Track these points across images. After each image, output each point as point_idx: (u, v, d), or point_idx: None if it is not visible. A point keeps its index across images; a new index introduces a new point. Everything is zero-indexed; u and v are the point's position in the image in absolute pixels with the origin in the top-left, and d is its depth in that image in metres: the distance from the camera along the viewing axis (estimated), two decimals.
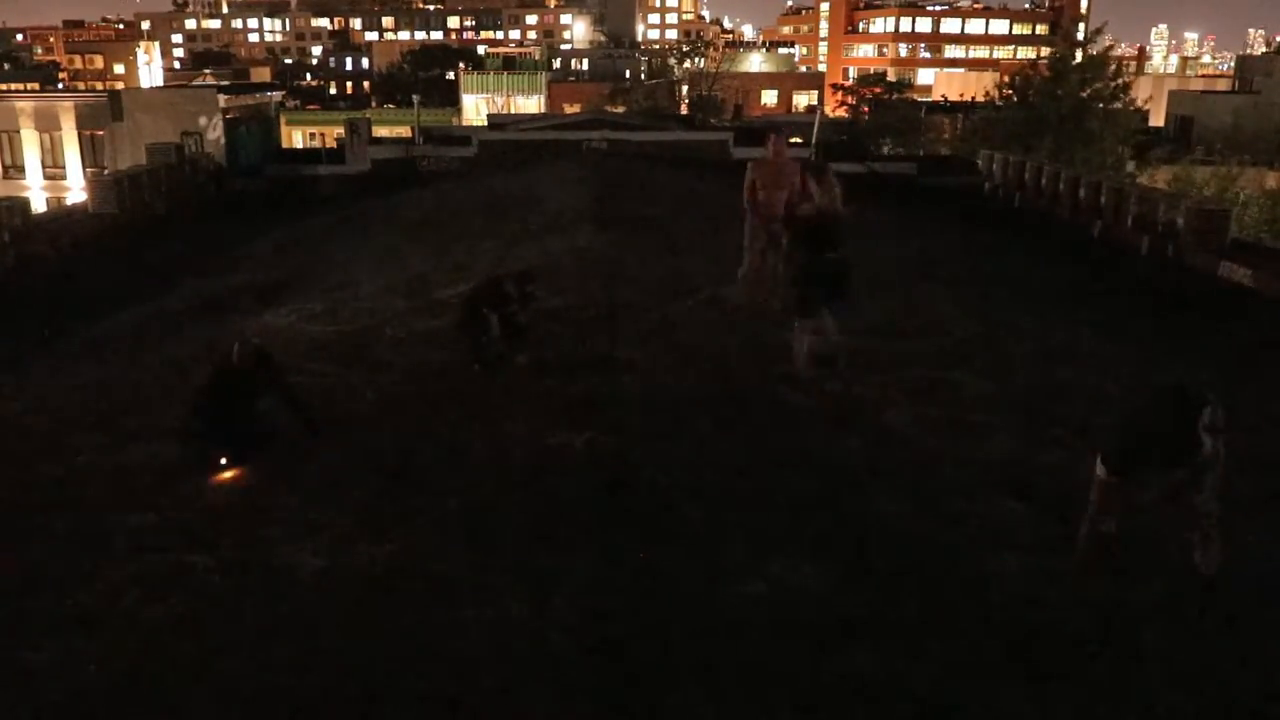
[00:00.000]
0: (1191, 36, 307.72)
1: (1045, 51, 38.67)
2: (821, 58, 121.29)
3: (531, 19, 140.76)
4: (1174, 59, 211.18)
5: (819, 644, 5.24)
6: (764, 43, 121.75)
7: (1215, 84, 73.52)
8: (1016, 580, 6.03)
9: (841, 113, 55.38)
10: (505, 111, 64.60)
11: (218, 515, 6.65)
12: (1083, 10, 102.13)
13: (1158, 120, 49.58)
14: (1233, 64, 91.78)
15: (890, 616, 5.55)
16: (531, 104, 69.91)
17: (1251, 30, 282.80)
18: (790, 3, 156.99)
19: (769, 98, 77.35)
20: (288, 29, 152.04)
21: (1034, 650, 5.35)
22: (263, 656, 5.09)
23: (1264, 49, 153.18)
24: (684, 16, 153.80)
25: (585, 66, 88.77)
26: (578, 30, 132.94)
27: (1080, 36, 38.02)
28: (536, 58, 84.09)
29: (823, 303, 8.90)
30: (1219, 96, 51.99)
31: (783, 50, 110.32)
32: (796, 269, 9.14)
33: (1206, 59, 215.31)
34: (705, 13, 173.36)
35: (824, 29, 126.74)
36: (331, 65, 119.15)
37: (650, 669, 4.92)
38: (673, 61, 70.11)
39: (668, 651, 5.07)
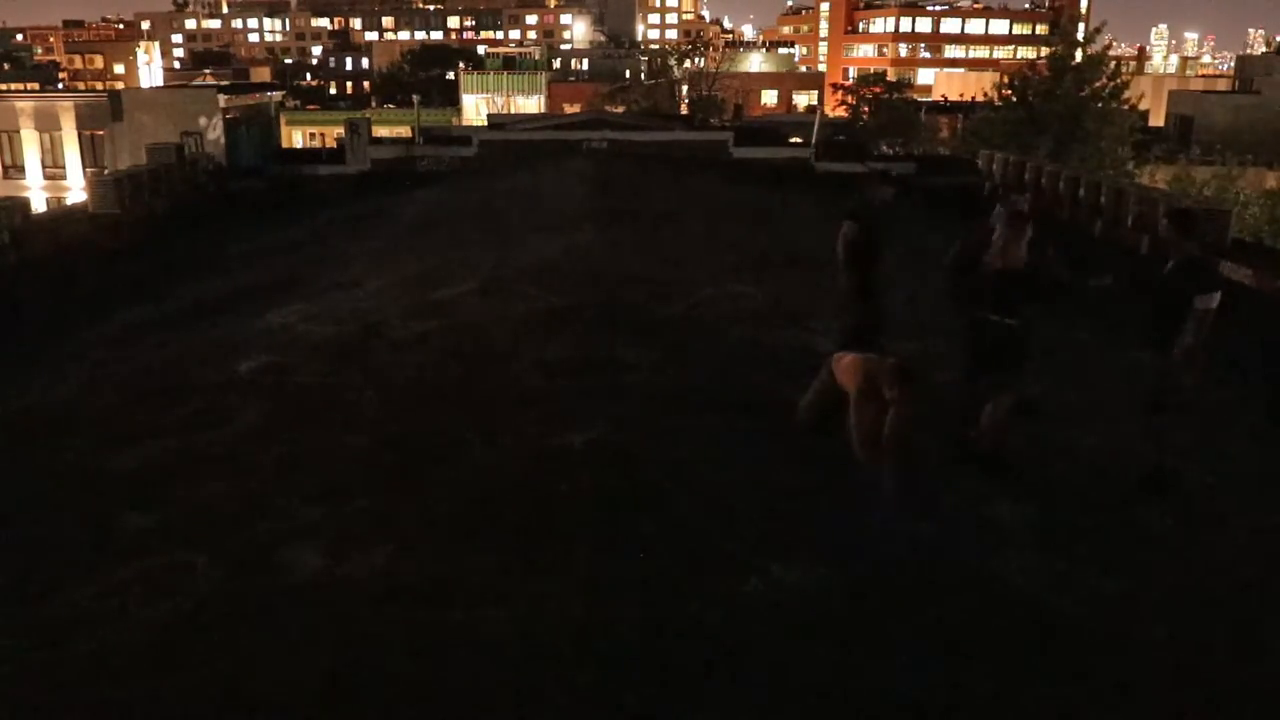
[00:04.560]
0: (1191, 36, 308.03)
1: (1045, 51, 38.68)
2: (821, 58, 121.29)
3: (531, 19, 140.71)
4: (1174, 59, 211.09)
5: (819, 644, 5.24)
6: (764, 43, 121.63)
7: (1215, 84, 73.56)
8: (1016, 579, 6.05)
9: (841, 113, 55.38)
10: (505, 111, 64.63)
11: (217, 515, 6.65)
12: (1082, 10, 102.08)
13: (1158, 120, 49.64)
14: (1232, 64, 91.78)
15: (891, 615, 5.55)
16: (531, 104, 70.00)
17: (1251, 30, 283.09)
18: (790, 3, 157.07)
19: (769, 98, 77.39)
20: (288, 29, 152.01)
21: (1036, 647, 5.36)
22: (262, 657, 5.10)
23: (1264, 49, 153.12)
24: (684, 16, 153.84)
25: (585, 66, 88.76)
26: (578, 30, 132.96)
27: (1079, 36, 38.01)
28: (536, 58, 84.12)
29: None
30: (1219, 96, 52.05)
31: (783, 50, 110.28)
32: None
33: (1206, 59, 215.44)
34: (705, 12, 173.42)
35: (824, 29, 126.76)
36: (331, 65, 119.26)
37: (650, 670, 4.93)
38: (673, 61, 70.05)
39: (668, 652, 5.07)
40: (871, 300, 8.10)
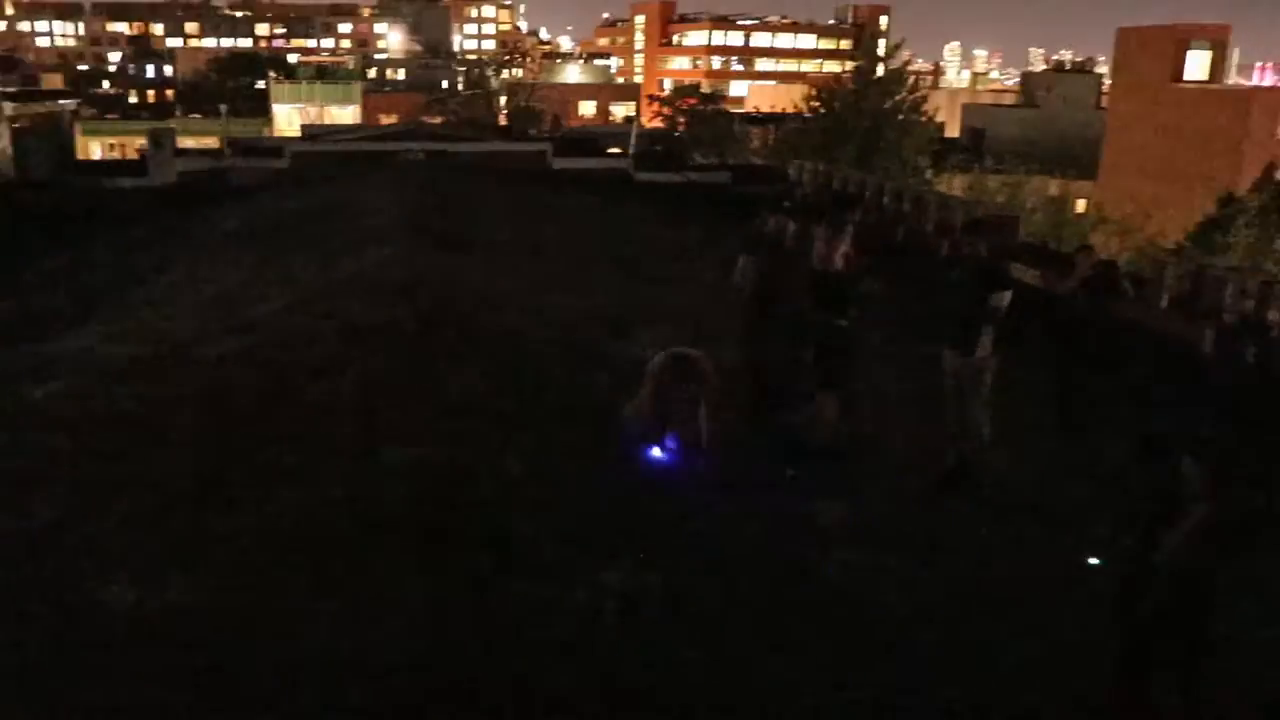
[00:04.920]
0: (980, 54, 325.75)
1: (849, 66, 40.50)
2: (638, 69, 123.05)
3: (345, 27, 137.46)
4: (966, 74, 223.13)
5: (649, 646, 5.37)
6: (581, 54, 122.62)
7: (1003, 98, 78.50)
8: (837, 572, 6.36)
9: (658, 124, 56.37)
10: (319, 122, 62.91)
11: (13, 548, 6.27)
12: (882, 27, 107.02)
13: (953, 131, 52.54)
14: (1018, 80, 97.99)
15: (719, 613, 5.73)
16: (346, 114, 68.27)
17: (1032, 49, 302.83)
18: (606, 15, 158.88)
19: (587, 108, 78.05)
20: (81, 33, 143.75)
21: (858, 635, 5.65)
22: (66, 700, 4.86)
23: (1044, 66, 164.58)
24: (501, 27, 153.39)
25: (401, 76, 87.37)
26: (393, 40, 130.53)
27: (880, 52, 39.96)
28: (350, 67, 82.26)
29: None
30: (1007, 110, 55.61)
31: (600, 62, 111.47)
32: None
33: (995, 74, 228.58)
34: (522, 24, 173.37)
35: (640, 41, 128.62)
36: (131, 72, 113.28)
37: (493, 689, 4.94)
38: (490, 72, 69.83)
39: (510, 669, 5.09)
40: (775, 332, 8.24)
